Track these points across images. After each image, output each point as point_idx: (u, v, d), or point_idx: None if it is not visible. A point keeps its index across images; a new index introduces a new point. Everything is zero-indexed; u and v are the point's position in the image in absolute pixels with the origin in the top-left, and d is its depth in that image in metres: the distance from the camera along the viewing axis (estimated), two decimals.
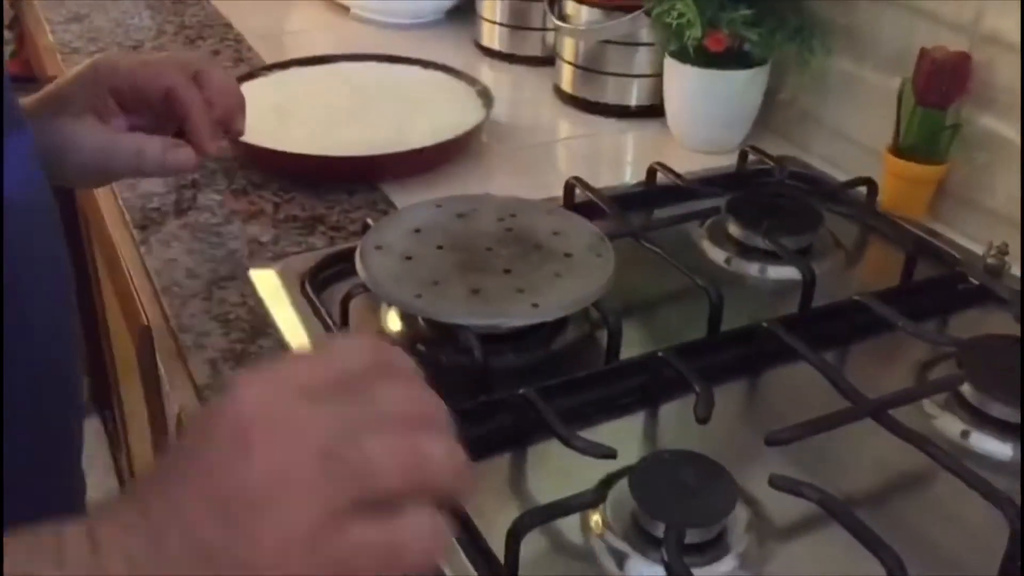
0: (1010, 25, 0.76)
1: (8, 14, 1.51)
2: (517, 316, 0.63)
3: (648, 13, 0.95)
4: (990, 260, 0.74)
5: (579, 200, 0.81)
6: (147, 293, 0.75)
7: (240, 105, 0.70)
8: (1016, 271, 0.75)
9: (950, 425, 0.61)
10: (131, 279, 0.78)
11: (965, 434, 0.60)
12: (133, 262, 0.79)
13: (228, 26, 1.26)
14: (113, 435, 1.63)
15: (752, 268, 0.77)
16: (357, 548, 0.32)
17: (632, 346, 0.65)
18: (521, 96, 1.11)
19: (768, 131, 0.99)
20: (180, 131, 0.66)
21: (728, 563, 0.50)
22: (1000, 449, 0.59)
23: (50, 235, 0.54)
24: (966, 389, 0.61)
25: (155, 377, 0.82)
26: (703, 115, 0.96)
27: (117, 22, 1.25)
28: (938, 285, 0.74)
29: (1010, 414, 0.60)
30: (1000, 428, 0.60)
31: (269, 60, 1.11)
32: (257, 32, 1.24)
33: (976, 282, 0.73)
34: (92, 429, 1.86)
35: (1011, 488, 0.54)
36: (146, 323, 0.74)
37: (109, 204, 0.87)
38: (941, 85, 0.79)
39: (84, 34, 1.21)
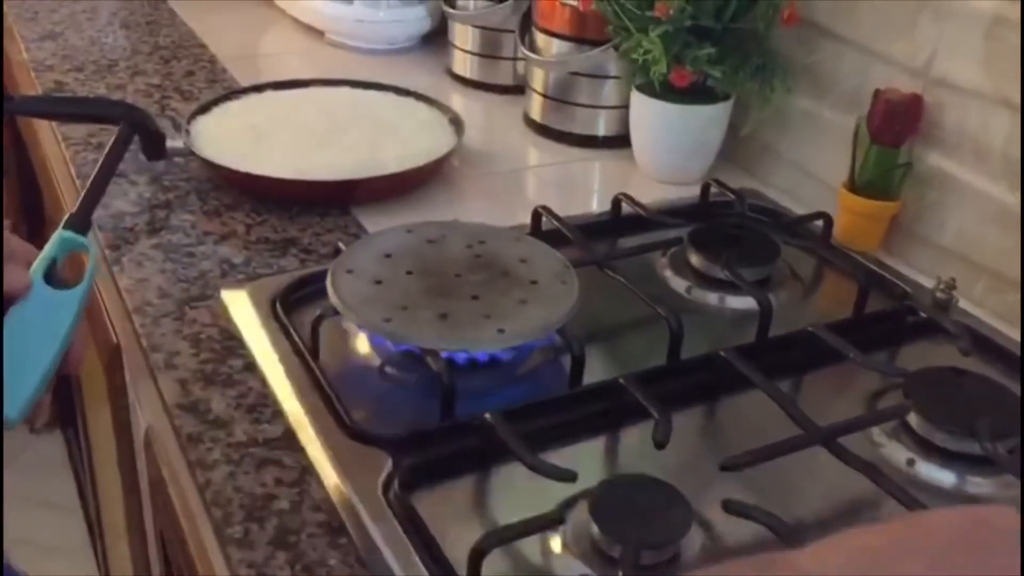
0: (959, 69, 0.80)
1: None
2: (484, 342, 0.65)
3: (616, 47, 0.98)
4: (939, 294, 0.78)
5: (546, 228, 0.83)
6: (118, 312, 0.76)
7: None
8: (964, 305, 0.78)
9: (896, 453, 0.63)
10: (102, 298, 0.79)
11: (911, 462, 0.63)
12: (105, 281, 0.79)
13: (203, 47, 1.27)
14: (76, 453, 1.62)
15: (712, 298, 0.79)
16: None
17: (595, 372, 0.66)
18: (492, 124, 1.14)
19: (730, 164, 1.02)
20: None
21: None
22: (944, 477, 0.62)
23: None
24: (913, 419, 0.64)
25: (123, 395, 0.83)
26: (668, 147, 0.99)
27: (92, 41, 1.26)
28: (889, 317, 0.77)
29: (954, 443, 0.62)
30: (944, 457, 0.62)
31: (243, 82, 1.13)
32: (231, 54, 1.25)
33: (925, 315, 0.75)
34: (56, 446, 1.85)
35: None
36: (116, 342, 0.75)
37: None
38: (894, 125, 0.83)
39: (58, 52, 1.21)
